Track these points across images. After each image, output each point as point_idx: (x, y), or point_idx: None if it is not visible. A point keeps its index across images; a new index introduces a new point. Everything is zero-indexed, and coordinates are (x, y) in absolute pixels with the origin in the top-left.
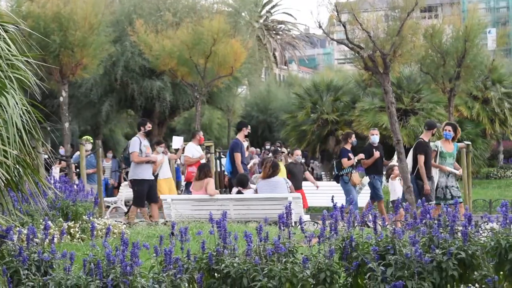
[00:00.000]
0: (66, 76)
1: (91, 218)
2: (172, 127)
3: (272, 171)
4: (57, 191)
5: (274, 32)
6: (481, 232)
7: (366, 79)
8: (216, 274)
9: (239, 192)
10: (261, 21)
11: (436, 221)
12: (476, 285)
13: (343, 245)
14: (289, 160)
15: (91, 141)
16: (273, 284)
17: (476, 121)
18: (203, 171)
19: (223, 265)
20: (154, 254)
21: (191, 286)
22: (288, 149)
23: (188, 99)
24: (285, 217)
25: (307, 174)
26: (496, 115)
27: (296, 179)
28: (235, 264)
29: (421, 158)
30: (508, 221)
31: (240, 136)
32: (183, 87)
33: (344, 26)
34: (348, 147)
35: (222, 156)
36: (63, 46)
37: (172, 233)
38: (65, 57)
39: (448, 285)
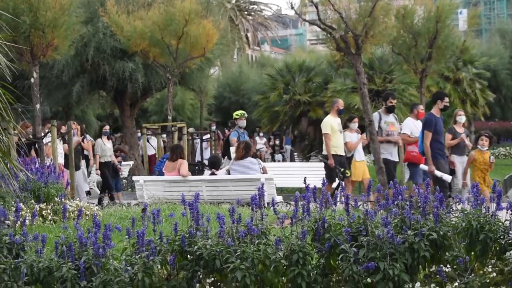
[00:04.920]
0: (37, 57)
1: (63, 199)
2: (144, 108)
3: (245, 152)
4: (28, 173)
5: (246, 12)
6: (452, 213)
7: (338, 60)
8: (188, 256)
9: (212, 174)
10: (233, 1)
11: (408, 202)
12: (448, 265)
13: (316, 226)
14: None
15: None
16: (245, 266)
17: None
18: (176, 152)
19: (195, 247)
20: (127, 236)
21: (163, 268)
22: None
23: (160, 80)
24: (257, 199)
25: None
26: (468, 95)
27: None
28: (207, 246)
29: None
30: (479, 202)
31: (435, 110)
32: (155, 68)
33: (316, 7)
34: None
35: (195, 137)
36: (33, 27)
37: (143, 210)
38: (35, 38)
39: (420, 266)
